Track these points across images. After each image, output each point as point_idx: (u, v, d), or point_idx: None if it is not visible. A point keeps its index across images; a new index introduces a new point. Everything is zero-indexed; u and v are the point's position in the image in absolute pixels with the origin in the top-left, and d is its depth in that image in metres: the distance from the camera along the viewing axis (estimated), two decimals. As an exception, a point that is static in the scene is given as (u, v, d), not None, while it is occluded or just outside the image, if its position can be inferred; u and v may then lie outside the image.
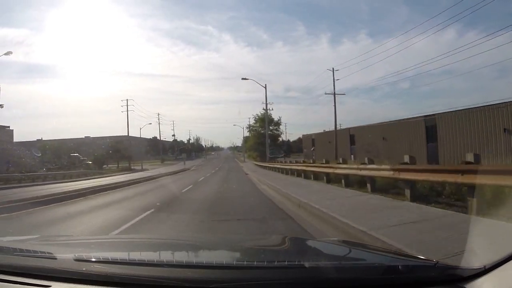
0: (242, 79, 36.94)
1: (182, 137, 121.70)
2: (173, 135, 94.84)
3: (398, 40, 78.13)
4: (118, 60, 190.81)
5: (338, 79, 36.37)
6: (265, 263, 1.61)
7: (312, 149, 49.58)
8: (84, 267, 1.45)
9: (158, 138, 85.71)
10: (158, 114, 78.41)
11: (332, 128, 53.84)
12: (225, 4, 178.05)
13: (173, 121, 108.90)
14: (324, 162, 14.89)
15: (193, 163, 58.67)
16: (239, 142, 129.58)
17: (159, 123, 77.83)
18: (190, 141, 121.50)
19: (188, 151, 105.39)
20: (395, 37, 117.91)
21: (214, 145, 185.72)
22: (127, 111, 53.86)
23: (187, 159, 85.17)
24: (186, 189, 15.24)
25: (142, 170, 41.48)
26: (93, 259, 1.55)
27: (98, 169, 40.67)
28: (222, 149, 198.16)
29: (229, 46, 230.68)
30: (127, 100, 54.97)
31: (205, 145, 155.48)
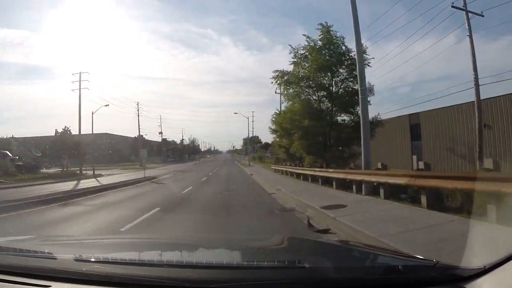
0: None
1: (180, 139, 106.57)
2: (160, 133, 75.18)
3: (397, 44, 76.57)
4: (118, 63, 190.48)
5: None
6: (265, 263, 1.61)
7: None
8: (84, 267, 1.45)
9: (143, 135, 70.22)
10: (138, 104, 60.56)
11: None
12: (225, 8, 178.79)
13: (160, 116, 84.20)
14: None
15: (175, 168, 41.21)
16: (238, 145, 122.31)
17: (138, 115, 60.09)
18: (184, 142, 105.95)
19: (178, 152, 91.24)
20: (394, 41, 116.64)
21: (212, 149, 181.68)
22: (80, 88, 34.24)
23: (178, 162, 67.11)
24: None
25: (91, 176, 28.66)
26: (93, 259, 1.55)
27: (32, 172, 28.01)
28: (220, 152, 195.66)
29: (229, 49, 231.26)
30: (79, 73, 34.83)
31: (201, 147, 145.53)
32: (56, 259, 1.56)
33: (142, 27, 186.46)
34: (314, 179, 15.54)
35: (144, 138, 69.08)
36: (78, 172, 31.68)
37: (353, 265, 1.66)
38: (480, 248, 2.93)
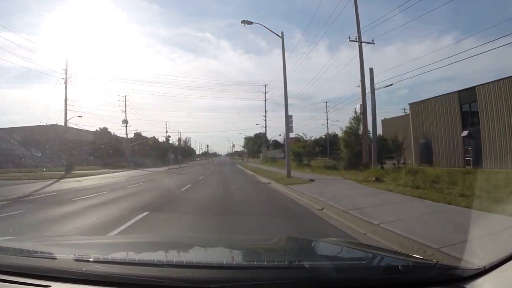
0: None
1: (165, 135, 76.49)
2: (125, 121, 50.12)
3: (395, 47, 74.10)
4: (116, 66, 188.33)
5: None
6: (265, 263, 1.62)
7: (464, 132, 21.03)
8: (84, 267, 1.45)
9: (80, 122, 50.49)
10: (65, 68, 30.99)
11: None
12: (223, 11, 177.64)
13: (125, 96, 51.46)
14: None
15: (90, 183, 18.49)
16: (238, 146, 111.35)
17: (66, 87, 31.09)
18: (171, 141, 76.87)
19: (160, 151, 64.93)
20: (393, 44, 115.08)
21: (211, 152, 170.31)
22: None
23: (150, 165, 47.23)
24: None
25: None
26: (93, 259, 1.55)
27: None
28: (219, 155, 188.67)
29: (228, 53, 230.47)
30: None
31: (197, 148, 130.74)
32: (56, 259, 1.55)
33: (140, 31, 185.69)
34: None
35: (109, 131, 52.94)
36: None
37: (353, 265, 1.66)
38: None
